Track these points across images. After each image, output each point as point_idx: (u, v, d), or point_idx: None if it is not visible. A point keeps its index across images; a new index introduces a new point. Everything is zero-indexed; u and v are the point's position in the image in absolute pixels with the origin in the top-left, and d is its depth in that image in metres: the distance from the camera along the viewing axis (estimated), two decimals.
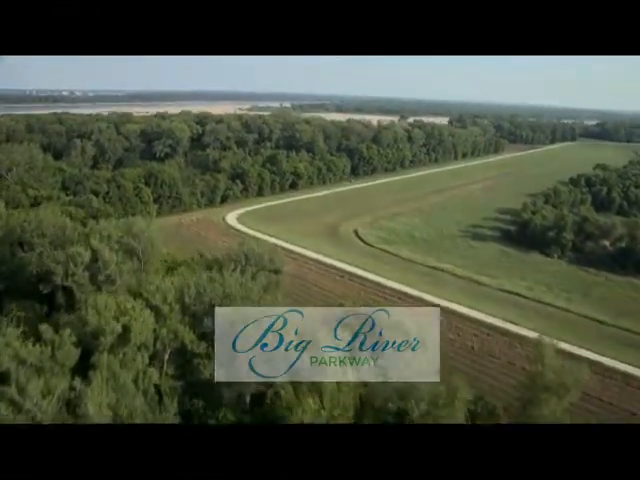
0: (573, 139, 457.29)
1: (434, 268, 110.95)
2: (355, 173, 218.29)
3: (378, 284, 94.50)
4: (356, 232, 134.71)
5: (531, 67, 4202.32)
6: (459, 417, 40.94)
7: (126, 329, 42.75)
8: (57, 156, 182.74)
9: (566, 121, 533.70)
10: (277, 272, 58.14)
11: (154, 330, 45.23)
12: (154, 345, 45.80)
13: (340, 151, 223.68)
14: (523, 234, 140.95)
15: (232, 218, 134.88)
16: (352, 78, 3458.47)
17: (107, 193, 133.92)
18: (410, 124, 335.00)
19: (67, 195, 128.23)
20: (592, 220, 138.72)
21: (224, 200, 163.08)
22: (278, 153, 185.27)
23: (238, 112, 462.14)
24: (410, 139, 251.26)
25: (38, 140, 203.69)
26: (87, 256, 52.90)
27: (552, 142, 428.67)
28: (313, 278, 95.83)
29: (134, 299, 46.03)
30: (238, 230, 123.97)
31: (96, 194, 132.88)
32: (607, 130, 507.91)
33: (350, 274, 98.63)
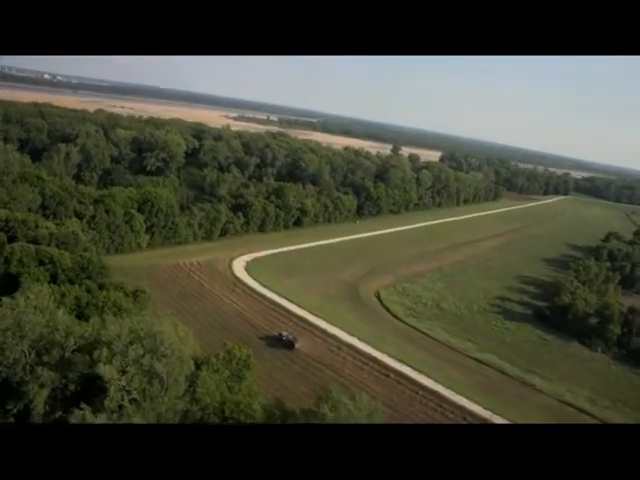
0: (566, 193, 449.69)
1: (480, 362, 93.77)
2: (360, 213, 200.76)
3: (435, 393, 76.04)
4: (378, 296, 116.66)
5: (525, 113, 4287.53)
6: None
7: None
8: (35, 156, 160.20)
9: (553, 170, 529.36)
10: None
11: None
12: None
13: (345, 186, 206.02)
14: (561, 317, 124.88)
15: (240, 267, 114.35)
16: (337, 98, 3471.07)
17: (93, 217, 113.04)
18: (410, 158, 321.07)
19: (46, 216, 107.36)
20: None
21: (223, 234, 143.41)
22: (286, 186, 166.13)
23: (228, 121, 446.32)
24: (418, 180, 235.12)
25: (15, 133, 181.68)
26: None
27: (545, 193, 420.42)
28: (351, 375, 77.22)
29: None
30: (247, 286, 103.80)
31: (80, 216, 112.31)
32: (597, 187, 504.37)
33: (395, 372, 79.94)
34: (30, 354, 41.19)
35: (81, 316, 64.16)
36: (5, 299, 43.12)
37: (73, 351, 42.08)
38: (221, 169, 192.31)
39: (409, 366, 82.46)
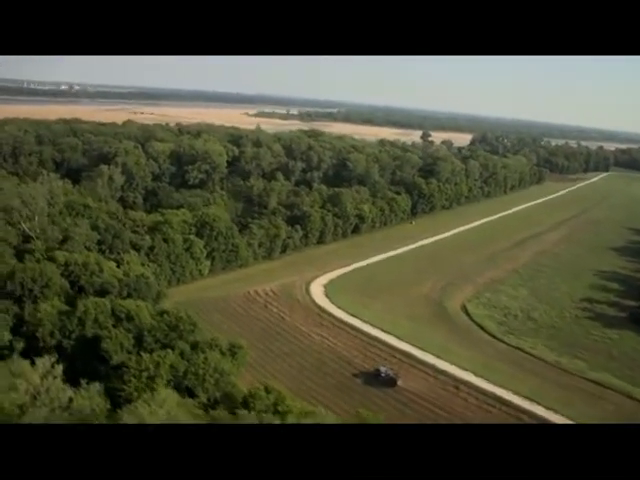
0: (606, 169, 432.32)
1: (599, 384, 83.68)
2: (413, 212, 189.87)
3: None
4: (466, 311, 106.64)
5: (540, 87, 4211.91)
6: None
7: None
8: (73, 177, 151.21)
9: (585, 144, 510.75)
10: None
11: None
12: None
13: (395, 184, 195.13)
14: None
15: (319, 292, 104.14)
16: (354, 84, 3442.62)
17: (151, 248, 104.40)
18: (444, 144, 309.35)
19: (102, 251, 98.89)
20: None
21: (283, 250, 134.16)
22: (341, 193, 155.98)
23: (250, 119, 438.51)
24: (466, 172, 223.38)
25: (49, 154, 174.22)
26: None
27: (585, 171, 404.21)
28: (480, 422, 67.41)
29: None
30: (334, 316, 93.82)
31: (137, 248, 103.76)
32: (636, 160, 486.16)
33: (527, 413, 69.53)
34: None
35: (179, 388, 55.28)
36: (129, 418, 33.99)
37: None
38: (264, 176, 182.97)
39: (538, 404, 72.20)
